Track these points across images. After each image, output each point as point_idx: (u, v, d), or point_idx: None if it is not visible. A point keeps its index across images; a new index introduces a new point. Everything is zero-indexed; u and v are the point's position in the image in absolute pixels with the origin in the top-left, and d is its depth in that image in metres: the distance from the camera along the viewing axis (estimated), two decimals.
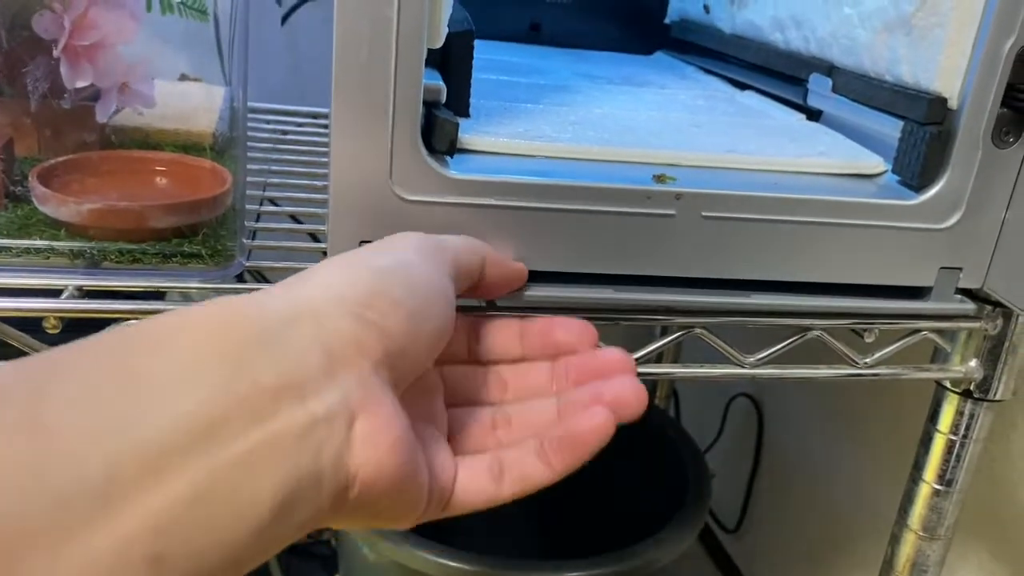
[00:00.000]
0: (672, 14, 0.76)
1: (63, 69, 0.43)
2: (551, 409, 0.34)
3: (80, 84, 0.44)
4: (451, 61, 0.41)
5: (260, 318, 0.26)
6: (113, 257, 0.39)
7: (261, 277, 0.85)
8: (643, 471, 0.84)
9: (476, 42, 0.68)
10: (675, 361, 0.95)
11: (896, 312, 0.43)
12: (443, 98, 0.39)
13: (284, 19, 0.78)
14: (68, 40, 0.43)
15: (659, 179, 0.40)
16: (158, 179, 0.44)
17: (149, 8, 0.49)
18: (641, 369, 0.42)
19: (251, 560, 0.24)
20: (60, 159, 0.42)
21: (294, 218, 0.55)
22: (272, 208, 0.53)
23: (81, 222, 0.38)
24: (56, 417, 0.21)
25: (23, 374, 0.23)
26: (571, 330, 0.36)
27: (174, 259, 0.39)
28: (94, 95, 0.47)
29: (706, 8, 0.67)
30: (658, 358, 0.92)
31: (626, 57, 0.74)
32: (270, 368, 0.25)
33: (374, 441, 0.26)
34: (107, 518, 0.21)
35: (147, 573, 0.21)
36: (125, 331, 0.25)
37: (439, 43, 0.37)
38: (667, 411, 1.11)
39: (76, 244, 0.38)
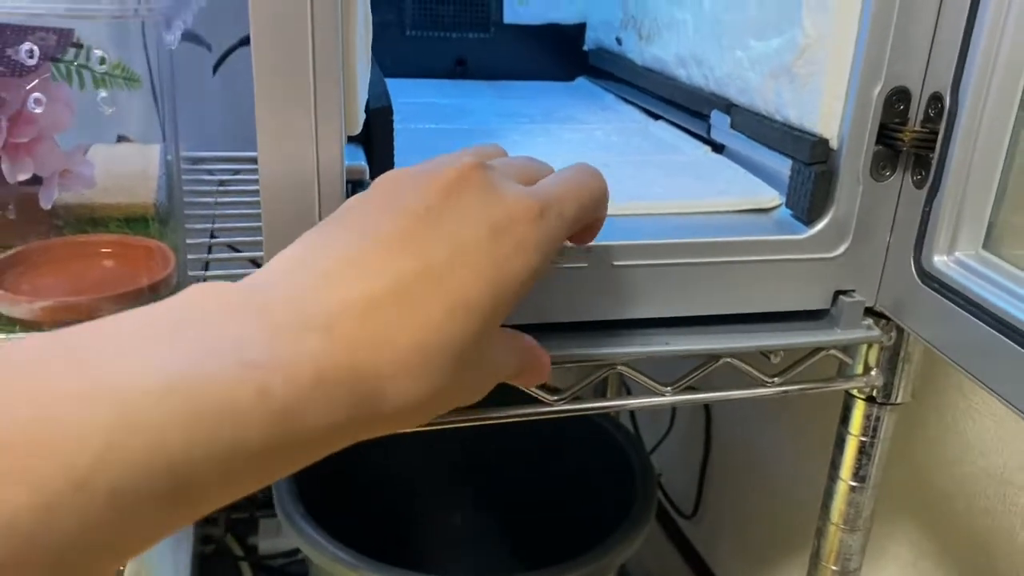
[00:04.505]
0: (589, 43, 0.79)
1: (4, 166, 0.45)
2: None
3: (22, 178, 0.46)
4: (372, 137, 0.44)
5: None
6: None
7: None
8: (593, 475, 0.87)
9: (405, 83, 0.71)
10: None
11: (802, 343, 0.47)
12: (367, 177, 0.42)
13: (216, 67, 0.80)
14: (7, 138, 0.45)
15: None
16: (105, 262, 0.47)
17: (82, 87, 0.51)
18: (573, 406, 0.46)
19: None
20: (6, 254, 0.44)
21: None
22: (219, 272, 0.55)
23: (34, 319, 0.40)
24: None
25: None
26: None
27: None
28: (35, 180, 0.49)
29: (618, 40, 0.70)
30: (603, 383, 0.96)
31: (549, 86, 0.78)
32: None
33: None
34: None
35: None
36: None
37: (357, 130, 0.40)
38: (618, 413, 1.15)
39: None
